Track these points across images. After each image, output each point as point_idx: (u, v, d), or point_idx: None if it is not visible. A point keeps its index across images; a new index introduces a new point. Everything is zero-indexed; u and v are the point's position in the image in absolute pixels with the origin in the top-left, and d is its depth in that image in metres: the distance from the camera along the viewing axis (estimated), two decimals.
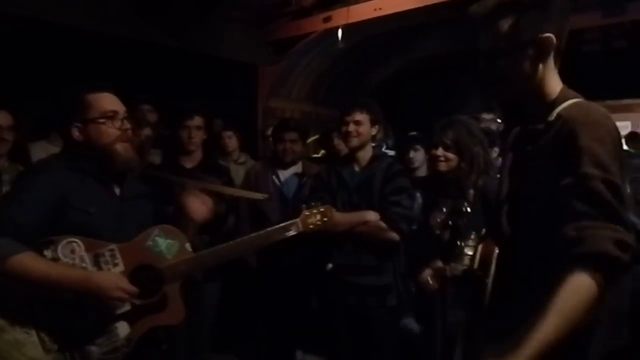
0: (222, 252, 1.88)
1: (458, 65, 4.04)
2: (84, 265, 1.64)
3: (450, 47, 5.85)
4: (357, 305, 2.52)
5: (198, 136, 2.84)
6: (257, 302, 3.26)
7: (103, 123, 1.71)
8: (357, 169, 2.64)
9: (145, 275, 1.73)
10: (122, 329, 1.68)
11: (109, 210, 1.74)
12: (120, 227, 1.74)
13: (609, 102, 5.14)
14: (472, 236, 1.89)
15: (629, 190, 1.46)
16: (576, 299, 1.09)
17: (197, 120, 2.83)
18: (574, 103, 1.26)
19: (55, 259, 1.60)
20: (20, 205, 1.59)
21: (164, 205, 1.97)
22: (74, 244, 1.63)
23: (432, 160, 2.45)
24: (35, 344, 1.57)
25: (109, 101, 1.74)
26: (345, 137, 2.61)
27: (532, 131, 1.32)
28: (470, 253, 1.79)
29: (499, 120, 3.55)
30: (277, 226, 2.01)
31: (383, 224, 2.47)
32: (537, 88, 1.30)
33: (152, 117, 3.80)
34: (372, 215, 2.48)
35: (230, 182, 3.03)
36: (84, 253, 1.64)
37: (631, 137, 5.30)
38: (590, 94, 1.32)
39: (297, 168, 3.25)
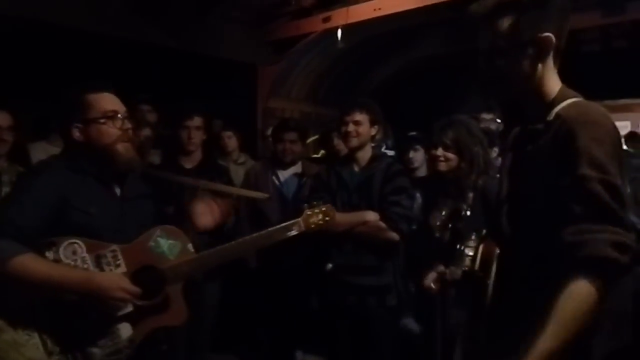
0: (224, 253, 1.88)
1: (458, 65, 4.03)
2: (85, 266, 1.63)
3: (450, 47, 5.84)
4: (356, 305, 2.52)
5: (198, 136, 2.84)
6: (257, 302, 3.26)
7: (104, 123, 1.70)
8: (356, 169, 2.64)
9: (148, 276, 1.72)
10: (125, 330, 1.67)
11: (109, 210, 1.73)
12: (121, 227, 1.74)
13: (609, 102, 5.13)
14: (473, 237, 1.89)
15: (628, 190, 1.46)
16: (576, 306, 1.09)
17: (197, 121, 2.82)
18: (573, 102, 1.26)
19: (57, 261, 1.60)
20: (21, 207, 1.59)
21: (165, 205, 1.97)
22: (76, 245, 1.63)
23: (432, 160, 2.45)
24: (36, 345, 1.56)
25: (109, 101, 1.74)
26: (345, 137, 2.61)
27: (531, 131, 1.32)
28: (471, 254, 1.78)
29: (499, 120, 3.55)
30: (279, 226, 2.01)
31: (383, 224, 2.46)
32: (537, 88, 1.30)
33: (152, 117, 3.80)
34: (371, 216, 2.48)
35: (230, 183, 3.03)
36: (85, 254, 1.64)
37: (631, 136, 5.29)
38: (589, 94, 1.32)
39: (297, 168, 3.25)
